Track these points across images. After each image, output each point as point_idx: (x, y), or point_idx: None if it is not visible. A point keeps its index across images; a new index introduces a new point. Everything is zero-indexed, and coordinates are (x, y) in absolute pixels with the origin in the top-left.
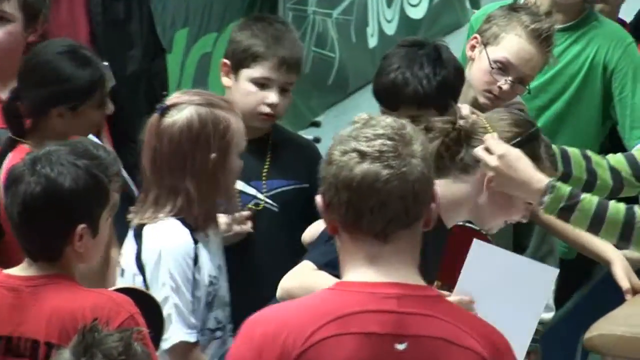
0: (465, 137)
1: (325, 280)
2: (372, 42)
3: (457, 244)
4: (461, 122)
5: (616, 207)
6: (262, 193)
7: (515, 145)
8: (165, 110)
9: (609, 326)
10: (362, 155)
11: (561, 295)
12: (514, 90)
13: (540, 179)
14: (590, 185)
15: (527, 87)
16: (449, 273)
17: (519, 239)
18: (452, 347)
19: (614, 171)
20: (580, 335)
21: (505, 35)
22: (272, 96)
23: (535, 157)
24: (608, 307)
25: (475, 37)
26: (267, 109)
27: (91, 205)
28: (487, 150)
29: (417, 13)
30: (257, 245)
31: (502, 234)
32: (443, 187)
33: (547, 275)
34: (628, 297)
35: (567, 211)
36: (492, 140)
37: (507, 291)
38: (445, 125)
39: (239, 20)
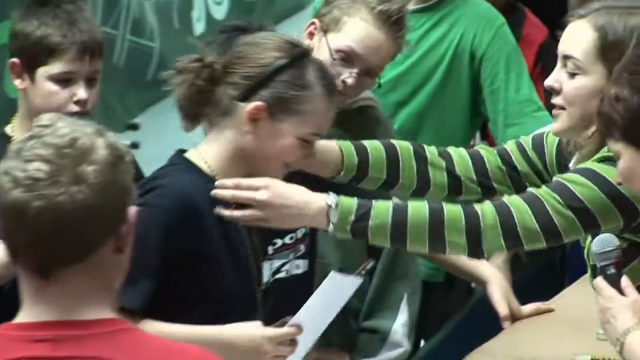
0: (222, 73)
1: None
2: (199, 28)
3: None
4: (210, 58)
5: (417, 207)
6: None
7: (278, 70)
8: None
9: (485, 358)
10: (15, 180)
11: (430, 325)
12: (361, 85)
13: (318, 197)
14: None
15: (377, 79)
16: None
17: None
18: None
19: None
20: None
21: (348, 20)
22: (80, 92)
23: (304, 86)
24: (484, 334)
25: (314, 23)
26: (75, 107)
27: None
28: (250, 188)
29: None
30: None
31: (353, 251)
32: (213, 141)
33: (352, 284)
34: (506, 324)
35: (361, 226)
36: (249, 180)
37: (327, 309)
38: (193, 64)
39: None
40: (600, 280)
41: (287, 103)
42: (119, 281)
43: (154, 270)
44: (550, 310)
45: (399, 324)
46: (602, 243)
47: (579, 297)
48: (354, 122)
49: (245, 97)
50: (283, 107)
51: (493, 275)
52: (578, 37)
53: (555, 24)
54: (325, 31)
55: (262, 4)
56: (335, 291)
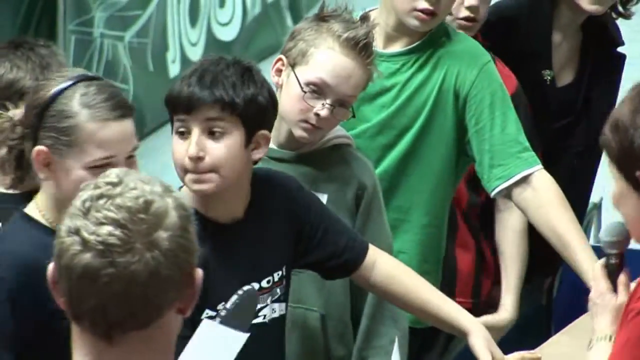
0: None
1: None
2: (174, 69)
3: None
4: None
5: None
6: None
7: (44, 108)
8: None
9: None
10: (84, 243)
11: None
12: (335, 116)
13: None
14: None
15: (350, 110)
16: None
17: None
18: None
19: None
20: None
21: (315, 51)
22: None
23: (68, 116)
24: None
25: (280, 59)
26: None
27: None
28: None
29: (227, 34)
30: None
31: (336, 295)
32: (42, 192)
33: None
34: None
35: None
36: None
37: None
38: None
39: None
40: (599, 269)
41: (59, 138)
42: (163, 348)
43: (9, 342)
44: (536, 359)
45: None
46: (612, 231)
47: (566, 346)
48: (330, 160)
49: (34, 145)
50: (59, 143)
51: (474, 325)
52: None
53: (515, 63)
54: (292, 65)
55: (239, 45)
56: (215, 343)
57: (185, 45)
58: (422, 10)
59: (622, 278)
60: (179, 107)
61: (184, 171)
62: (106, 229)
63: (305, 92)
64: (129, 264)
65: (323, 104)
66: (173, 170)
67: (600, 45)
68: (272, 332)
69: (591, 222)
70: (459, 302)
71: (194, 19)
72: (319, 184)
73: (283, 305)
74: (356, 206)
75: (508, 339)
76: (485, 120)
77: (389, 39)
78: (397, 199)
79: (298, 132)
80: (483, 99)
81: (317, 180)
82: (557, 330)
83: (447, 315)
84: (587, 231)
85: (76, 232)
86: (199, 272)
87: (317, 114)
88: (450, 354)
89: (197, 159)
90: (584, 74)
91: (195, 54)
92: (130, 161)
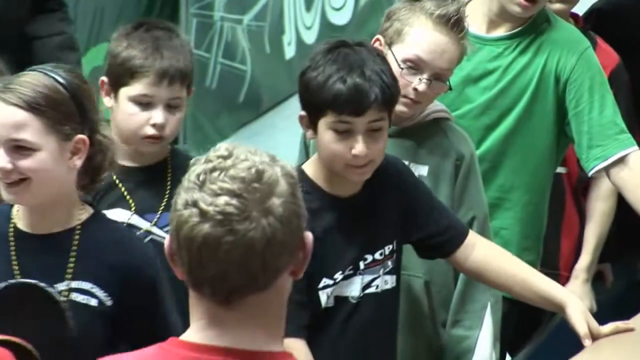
0: None
1: None
2: (289, 52)
3: None
4: None
5: None
6: (156, 226)
7: None
8: None
9: None
10: (203, 214)
11: (514, 340)
12: (433, 90)
13: None
14: None
15: (447, 83)
16: None
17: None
18: None
19: None
20: None
21: (410, 29)
22: (157, 116)
23: None
24: (566, 356)
25: (378, 39)
26: (152, 131)
27: None
28: None
29: (340, 18)
30: None
31: (439, 264)
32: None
33: None
34: (587, 342)
35: None
36: None
37: None
38: None
39: None
40: None
41: None
42: (275, 312)
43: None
44: (630, 330)
45: (485, 333)
46: None
47: None
48: (429, 133)
49: None
50: None
51: (570, 299)
52: None
53: (625, 50)
54: (389, 44)
55: (352, 28)
56: None
57: (301, 28)
58: None
59: None
60: None
61: None
62: (223, 199)
63: (402, 69)
64: (247, 231)
65: (420, 79)
66: (287, 147)
67: None
68: (384, 302)
69: None
70: (563, 275)
71: (309, 3)
72: (420, 156)
73: (394, 277)
74: (455, 175)
75: (604, 315)
76: (585, 103)
77: (492, 24)
78: (499, 178)
79: (399, 108)
80: (582, 83)
81: (418, 152)
82: None
83: (543, 291)
84: None
85: (194, 204)
86: (309, 236)
87: (415, 89)
88: (546, 330)
89: None
90: None
91: (310, 38)
92: None
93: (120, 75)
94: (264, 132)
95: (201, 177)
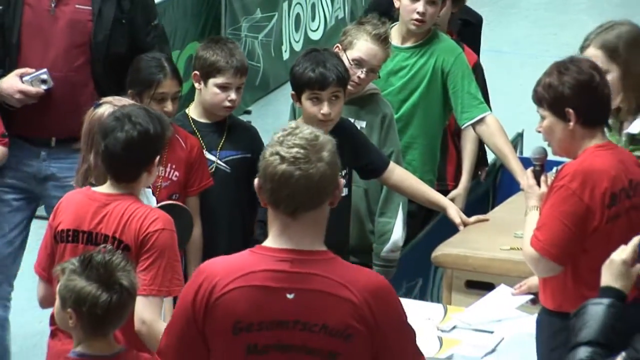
0: None
1: None
2: (286, 55)
3: None
4: None
5: None
6: (218, 159)
7: None
8: (97, 106)
9: (449, 248)
10: (282, 159)
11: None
12: (369, 77)
13: None
14: None
15: (377, 74)
16: None
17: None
18: (330, 297)
19: None
20: (429, 255)
21: (357, 42)
22: (232, 95)
23: None
24: (447, 236)
25: (337, 46)
26: (228, 104)
27: (161, 144)
28: None
29: (316, 35)
30: (213, 195)
31: (358, 202)
32: None
33: None
34: (461, 228)
35: None
36: None
37: None
38: None
39: (193, 41)
40: (529, 173)
41: None
42: (323, 225)
43: None
44: (486, 220)
45: (399, 220)
46: (536, 151)
47: (505, 212)
48: (366, 101)
49: None
50: None
51: (449, 203)
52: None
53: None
54: (344, 50)
55: (323, 40)
56: None
57: (292, 42)
58: (415, 19)
59: (543, 177)
60: None
61: None
62: (295, 150)
63: (351, 65)
64: (308, 168)
65: (362, 71)
66: (284, 113)
67: None
68: (342, 204)
69: (518, 144)
70: (450, 184)
71: (297, 26)
72: (361, 115)
73: (347, 189)
74: (381, 127)
75: (469, 210)
76: (458, 85)
77: (404, 39)
78: (409, 131)
79: (349, 88)
80: (457, 74)
81: (360, 113)
82: (499, 203)
83: (433, 199)
84: (516, 149)
85: (276, 153)
86: (342, 180)
87: (358, 77)
88: (433, 220)
89: None
90: None
91: (298, 47)
92: None
93: (209, 71)
94: (271, 104)
95: (280, 139)
